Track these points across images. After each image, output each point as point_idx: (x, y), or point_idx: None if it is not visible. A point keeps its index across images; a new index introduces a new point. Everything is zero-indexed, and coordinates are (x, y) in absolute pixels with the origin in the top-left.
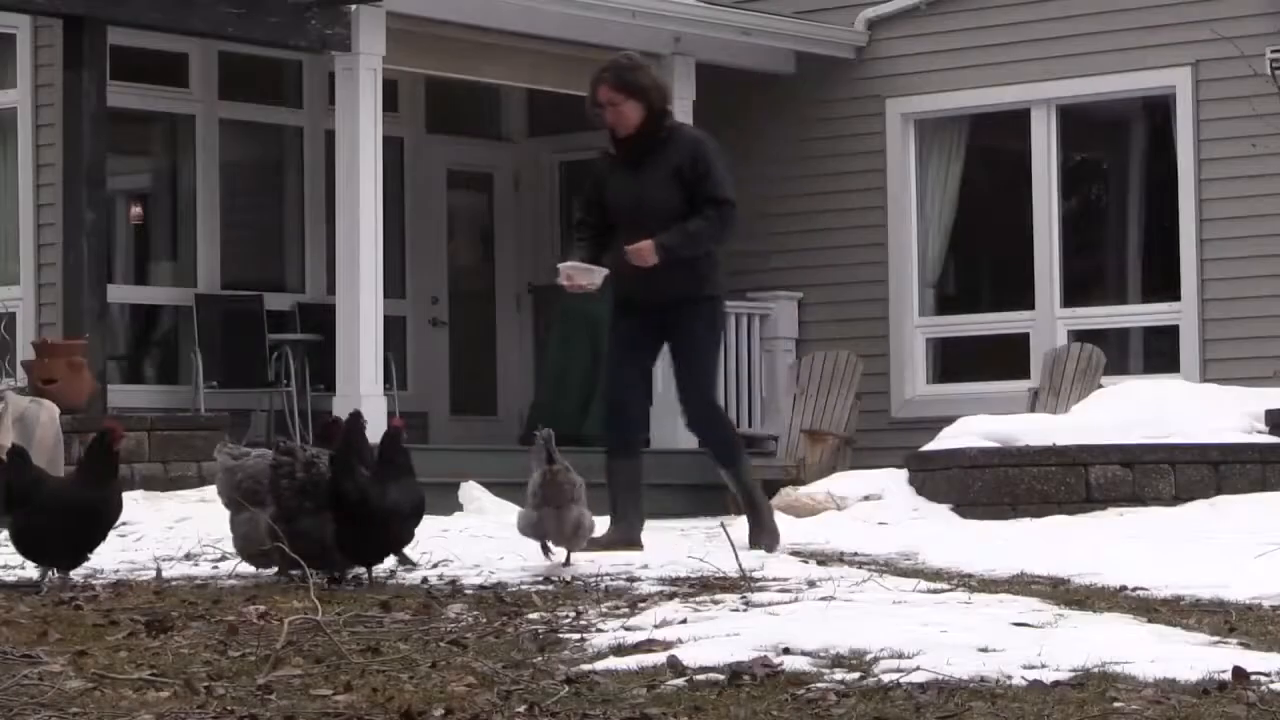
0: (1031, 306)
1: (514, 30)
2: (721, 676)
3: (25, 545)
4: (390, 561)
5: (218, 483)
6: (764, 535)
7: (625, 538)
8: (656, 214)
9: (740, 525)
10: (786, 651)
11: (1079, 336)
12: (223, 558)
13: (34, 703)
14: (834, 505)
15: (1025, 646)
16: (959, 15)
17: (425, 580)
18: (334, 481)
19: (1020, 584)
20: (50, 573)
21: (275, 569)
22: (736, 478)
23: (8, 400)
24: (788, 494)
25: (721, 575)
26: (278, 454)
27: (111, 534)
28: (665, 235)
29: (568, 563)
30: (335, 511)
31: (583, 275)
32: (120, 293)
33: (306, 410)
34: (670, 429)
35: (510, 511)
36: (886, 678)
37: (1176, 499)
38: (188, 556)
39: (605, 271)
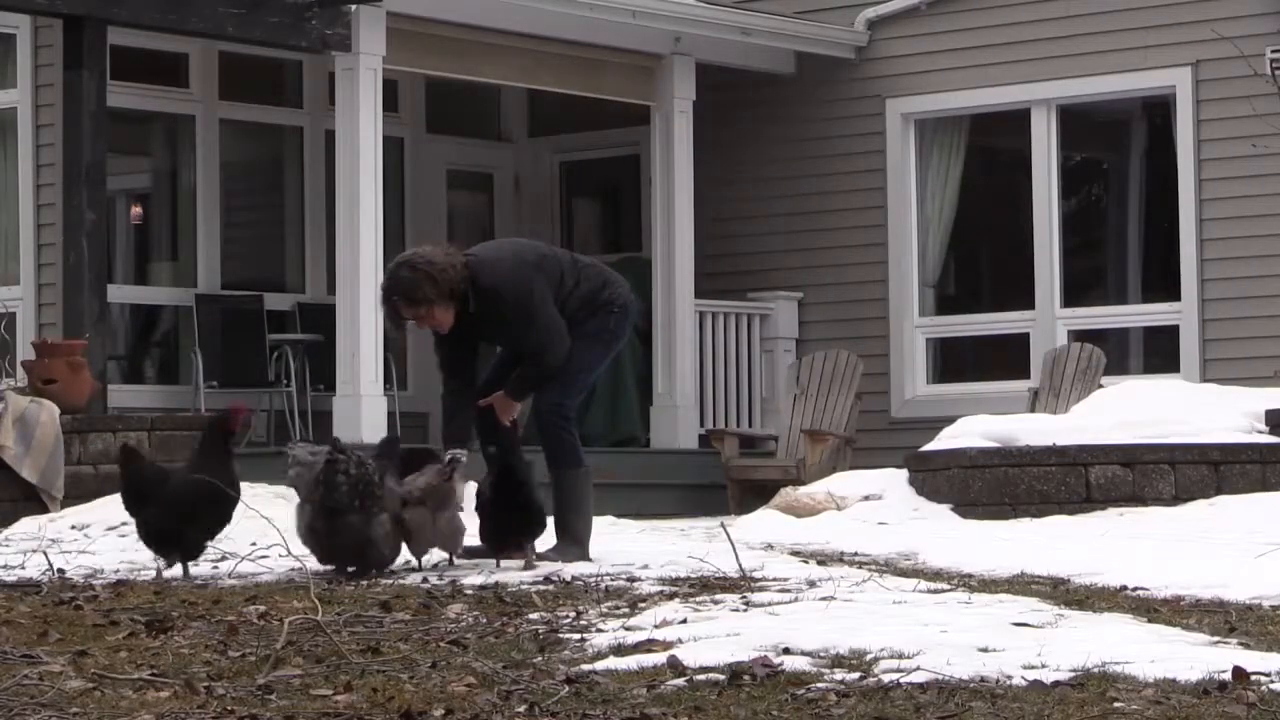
0: (1031, 306)
1: (514, 30)
2: (722, 676)
3: (155, 539)
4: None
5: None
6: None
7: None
8: (507, 346)
9: (740, 525)
10: (786, 651)
11: (1079, 336)
12: (223, 557)
13: (34, 703)
14: (834, 505)
15: (1025, 646)
16: (959, 15)
17: (425, 580)
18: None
19: (1020, 584)
20: (169, 564)
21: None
22: (571, 478)
23: (8, 400)
24: (788, 494)
25: (721, 575)
26: (330, 452)
27: (112, 534)
28: (513, 384)
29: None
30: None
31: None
32: (120, 293)
33: (307, 410)
34: (670, 429)
35: None
36: (886, 678)
37: (1176, 499)
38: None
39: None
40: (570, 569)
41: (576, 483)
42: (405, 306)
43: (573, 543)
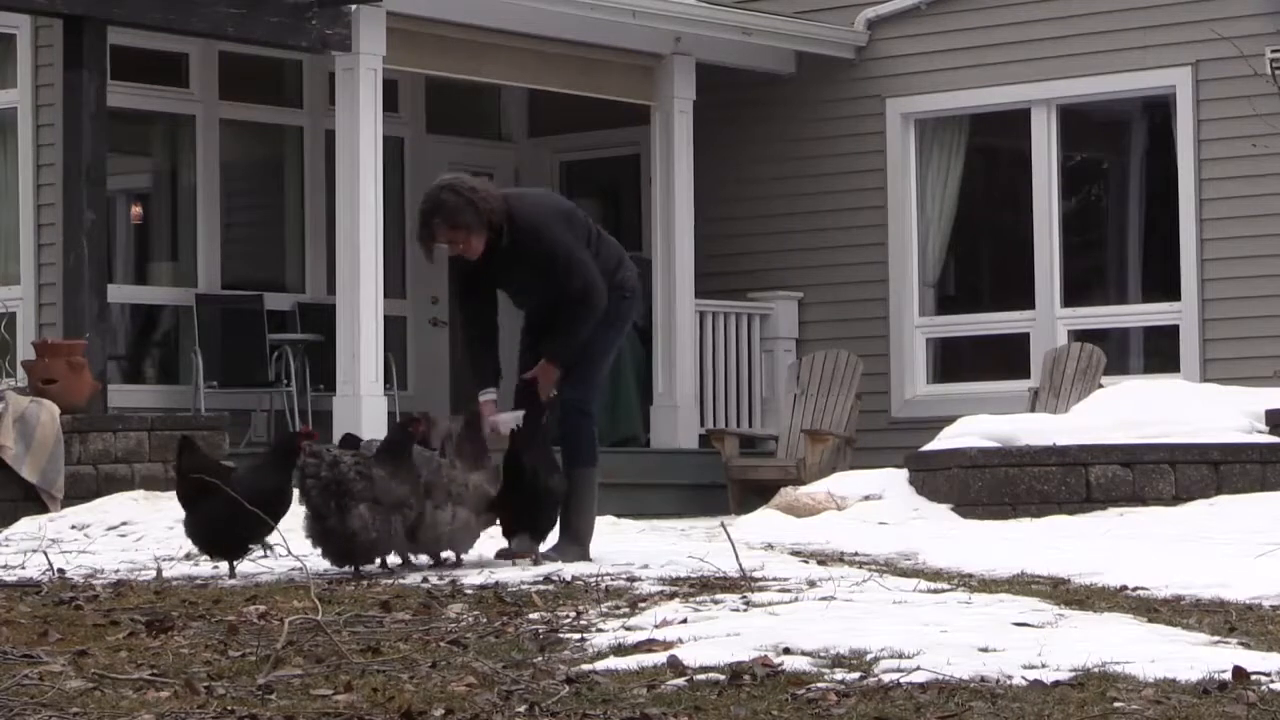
0: (1031, 306)
1: (514, 30)
2: (722, 676)
3: (203, 540)
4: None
5: None
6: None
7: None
8: (536, 291)
9: (740, 525)
10: (787, 651)
11: (1079, 336)
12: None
13: (34, 703)
14: (834, 505)
15: (1025, 646)
16: (959, 15)
17: (425, 580)
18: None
19: (1020, 584)
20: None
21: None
22: (587, 478)
23: (8, 400)
24: (788, 494)
25: (721, 575)
26: (304, 456)
27: (112, 534)
28: (556, 344)
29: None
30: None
31: (509, 424)
32: (120, 293)
33: (307, 410)
34: (670, 429)
35: None
36: (887, 678)
37: (1176, 499)
38: (188, 556)
39: (522, 413)
40: (570, 569)
41: (589, 481)
42: (444, 230)
43: (574, 542)
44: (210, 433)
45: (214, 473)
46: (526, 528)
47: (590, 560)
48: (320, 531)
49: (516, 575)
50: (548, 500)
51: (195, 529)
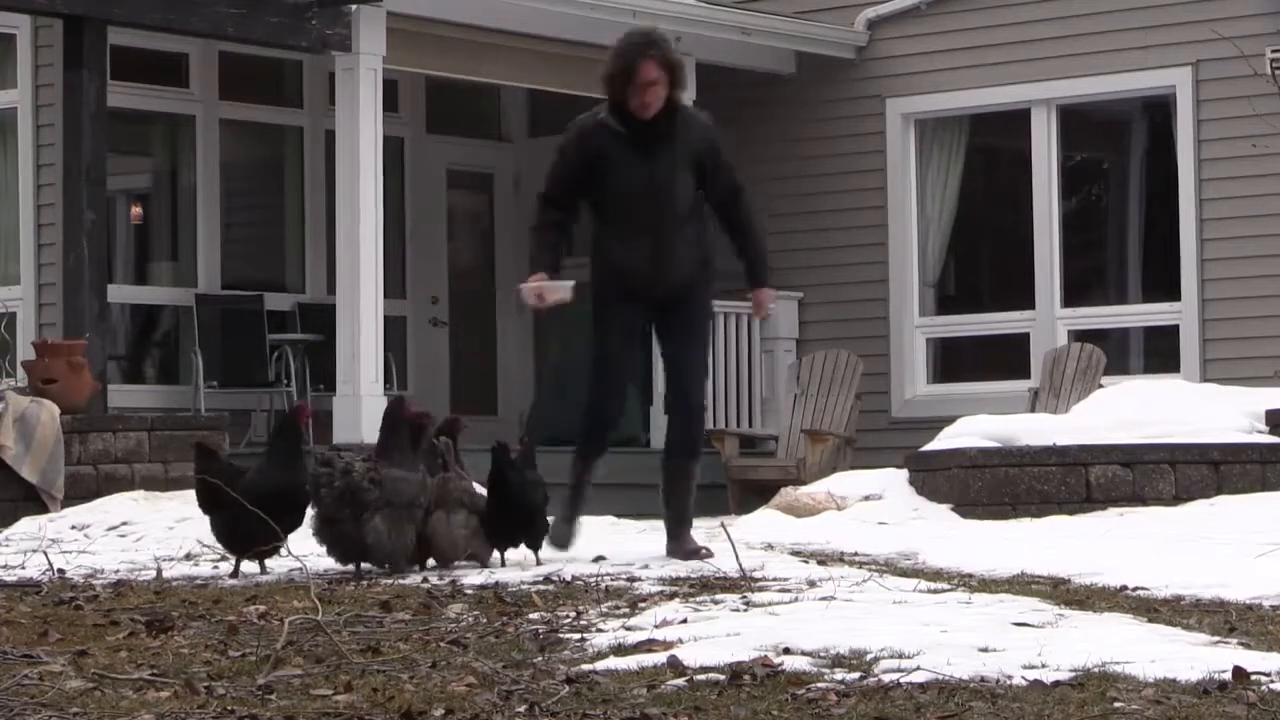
0: (1031, 306)
1: (514, 30)
2: (722, 676)
3: (230, 539)
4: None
5: None
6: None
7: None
8: (676, 205)
9: (740, 525)
10: (787, 651)
11: (1079, 336)
12: (223, 557)
13: (34, 703)
14: (834, 505)
15: (1025, 646)
16: (959, 15)
17: (425, 580)
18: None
19: (1020, 584)
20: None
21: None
22: (695, 476)
23: (8, 400)
24: (788, 494)
25: (721, 575)
26: (316, 464)
27: (112, 534)
28: (763, 268)
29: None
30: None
31: (555, 293)
32: (120, 293)
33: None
34: None
35: None
36: (887, 678)
37: (1176, 499)
38: (188, 556)
39: (573, 284)
40: (570, 569)
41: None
42: (657, 65)
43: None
44: (210, 433)
45: (227, 476)
46: (524, 540)
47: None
48: (331, 536)
49: (516, 575)
50: (539, 511)
51: (218, 532)
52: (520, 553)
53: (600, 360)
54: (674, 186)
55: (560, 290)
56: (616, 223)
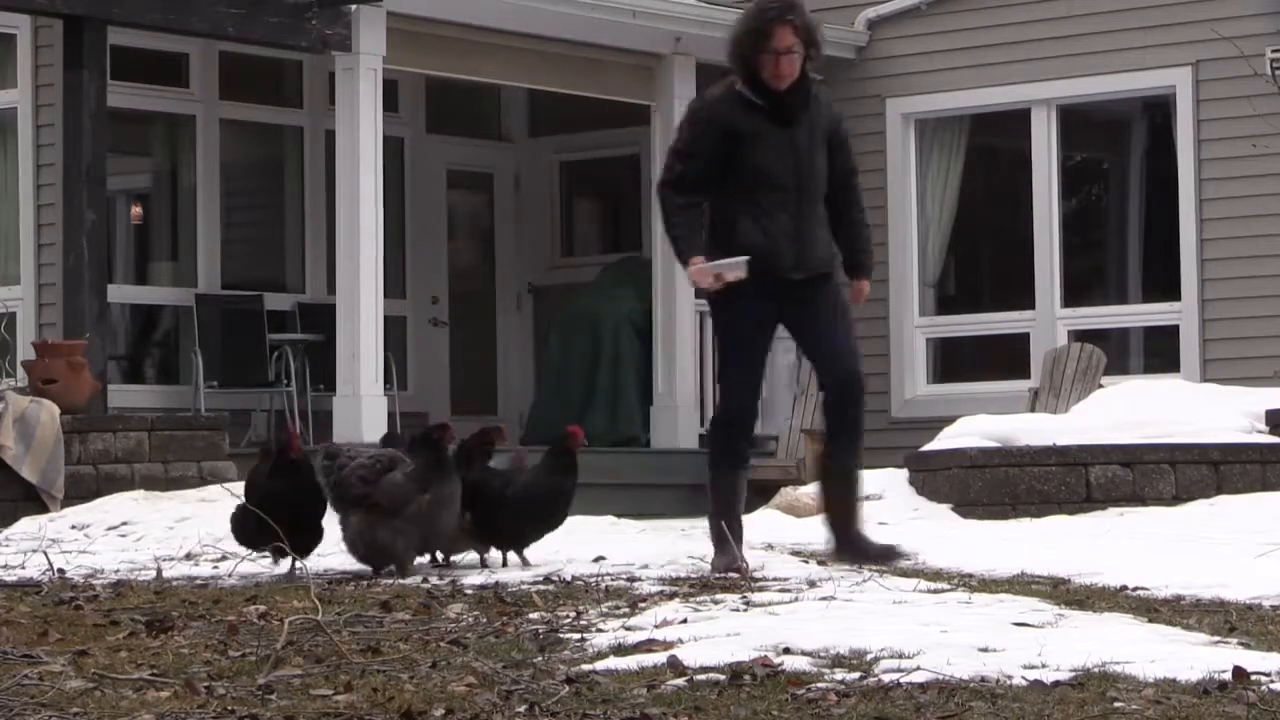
0: (1031, 306)
1: (514, 30)
2: (722, 676)
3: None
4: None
5: None
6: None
7: (734, 562)
8: (814, 184)
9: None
10: (787, 651)
11: (1079, 336)
12: (223, 557)
13: (34, 703)
14: None
15: (1025, 646)
16: (959, 15)
17: (425, 580)
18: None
19: (1020, 584)
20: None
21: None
22: (859, 467)
23: (8, 400)
24: (788, 494)
25: (722, 575)
26: (321, 459)
27: (112, 534)
28: (868, 258)
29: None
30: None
31: (733, 270)
32: (120, 293)
33: (307, 410)
34: (670, 429)
35: None
36: (887, 678)
37: (1176, 499)
38: (188, 556)
39: (747, 259)
40: (569, 569)
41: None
42: (795, 30)
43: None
44: (210, 433)
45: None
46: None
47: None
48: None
49: (516, 575)
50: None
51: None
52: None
53: (731, 353)
54: (814, 162)
55: (737, 268)
56: (752, 201)
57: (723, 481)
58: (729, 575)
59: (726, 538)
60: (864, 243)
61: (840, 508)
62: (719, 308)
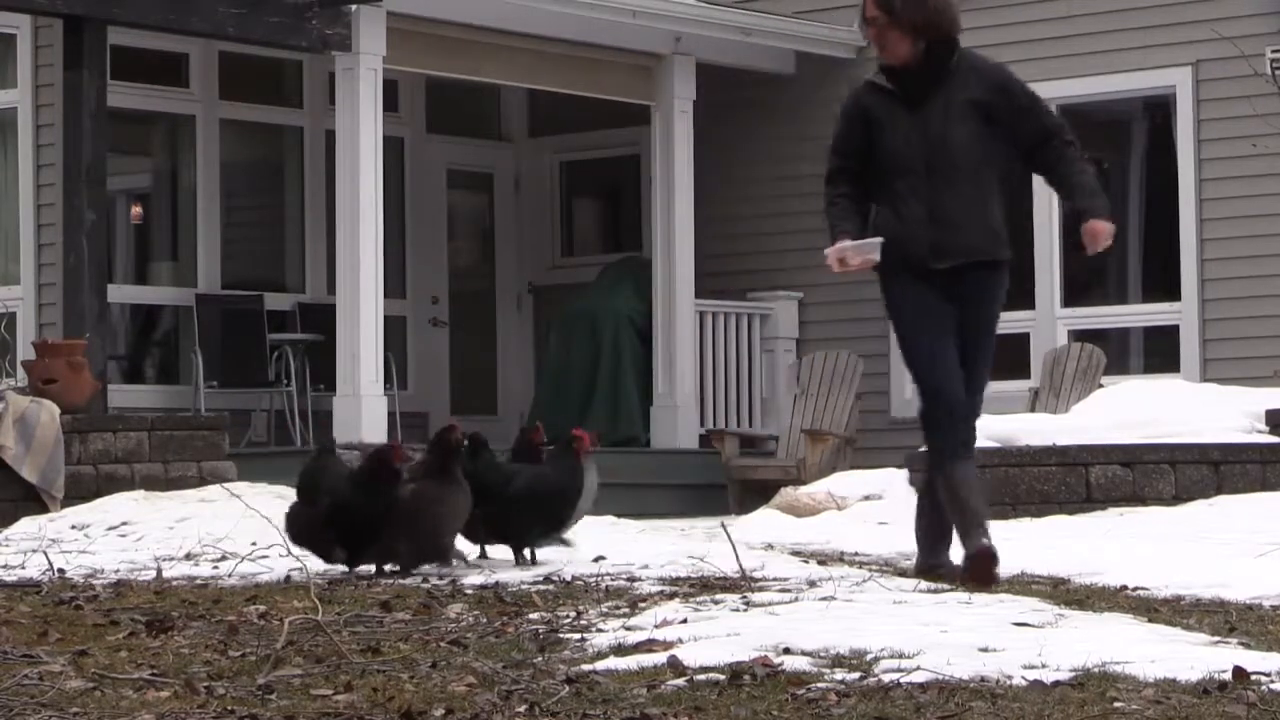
0: (1031, 306)
1: (514, 30)
2: (722, 676)
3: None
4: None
5: None
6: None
7: (949, 565)
8: (949, 164)
9: (740, 525)
10: (787, 651)
11: (1079, 336)
12: (223, 557)
13: (34, 703)
14: (834, 505)
15: (1025, 646)
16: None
17: (426, 580)
18: None
19: (1020, 584)
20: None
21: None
22: (973, 479)
23: (8, 400)
24: (788, 494)
25: (721, 575)
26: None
27: (112, 534)
28: (1097, 200)
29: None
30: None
31: (859, 253)
32: (120, 293)
33: (307, 410)
34: (670, 429)
35: None
36: (887, 678)
37: (1176, 499)
38: (188, 556)
39: (881, 240)
40: (570, 569)
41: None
42: (874, 2)
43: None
44: (210, 433)
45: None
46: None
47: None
48: None
49: (516, 575)
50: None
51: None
52: (503, 551)
53: (909, 348)
54: (947, 142)
55: (867, 251)
56: (888, 189)
57: (933, 477)
58: (938, 583)
59: (934, 541)
60: (1080, 189)
61: (957, 520)
62: (887, 308)
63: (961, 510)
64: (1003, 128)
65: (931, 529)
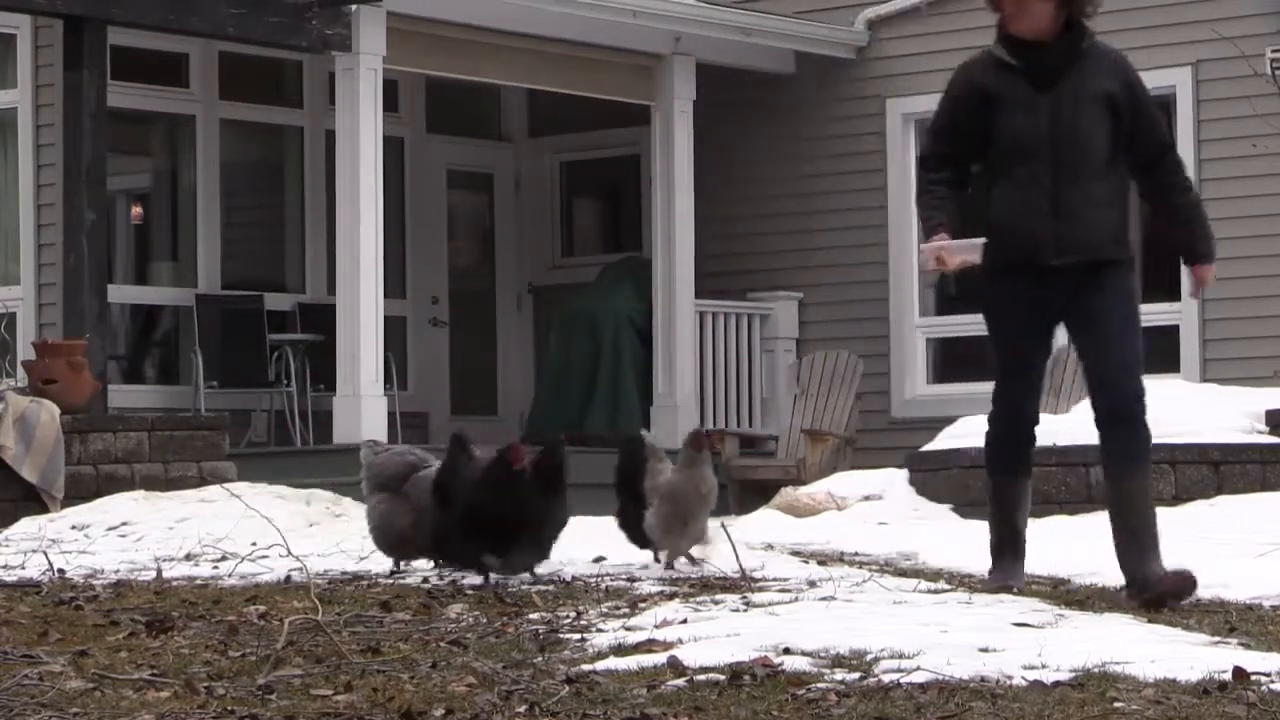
0: None
1: (513, 30)
2: (722, 676)
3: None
4: None
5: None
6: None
7: (1004, 581)
8: (1078, 154)
9: (740, 525)
10: (787, 651)
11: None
12: (223, 558)
13: (34, 703)
14: (834, 505)
15: (1025, 646)
16: (959, 15)
17: (425, 580)
18: None
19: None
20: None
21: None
22: (1146, 491)
23: (8, 400)
24: (788, 494)
25: (721, 575)
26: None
27: (112, 534)
28: (1203, 240)
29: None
30: None
31: (961, 253)
32: (120, 293)
33: (307, 410)
34: (670, 429)
35: None
36: (887, 678)
37: (1176, 499)
38: (188, 557)
39: (984, 241)
40: (571, 569)
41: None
42: None
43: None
44: (210, 433)
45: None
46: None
47: None
48: None
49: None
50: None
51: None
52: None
53: (1000, 353)
54: (1078, 128)
55: (967, 251)
56: (1006, 175)
57: (996, 492)
58: (999, 595)
59: (1002, 552)
60: (1194, 224)
61: (1123, 538)
62: (983, 303)
63: (1003, 526)
64: (1121, 127)
65: (1002, 543)
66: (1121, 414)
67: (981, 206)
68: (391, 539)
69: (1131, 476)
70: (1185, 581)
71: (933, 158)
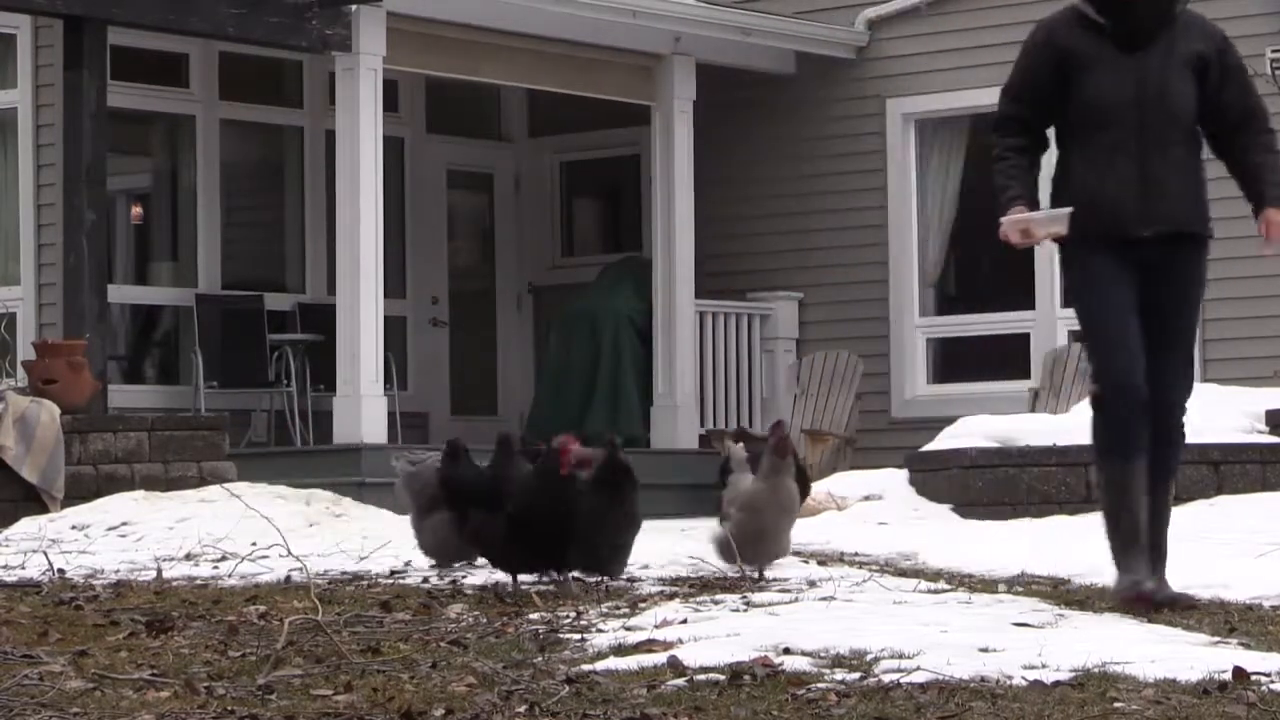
0: (1032, 306)
1: (513, 30)
2: (722, 676)
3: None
4: None
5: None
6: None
7: (1135, 586)
8: (1165, 121)
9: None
10: (787, 651)
11: (1079, 336)
12: (223, 558)
13: (34, 703)
14: (834, 505)
15: (1025, 646)
16: (959, 15)
17: (426, 580)
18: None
19: (1020, 584)
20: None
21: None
22: (1169, 503)
23: (8, 400)
24: None
25: (721, 575)
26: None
27: (112, 534)
28: (1274, 186)
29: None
30: None
31: (1046, 225)
32: (120, 293)
33: (307, 410)
34: (670, 429)
35: None
36: (887, 678)
37: (1176, 499)
38: (188, 557)
39: (1070, 211)
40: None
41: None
42: None
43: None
44: (210, 433)
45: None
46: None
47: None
48: None
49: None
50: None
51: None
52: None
53: (1093, 329)
54: (1168, 93)
55: (1052, 223)
56: (1090, 141)
57: (1110, 476)
58: (1133, 605)
59: (1127, 549)
60: (1268, 172)
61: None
62: (1070, 278)
63: (1122, 519)
64: (1208, 91)
65: (1126, 540)
66: (1165, 438)
67: (1052, 174)
68: (451, 553)
69: (1159, 493)
70: (1185, 599)
71: (1007, 123)
